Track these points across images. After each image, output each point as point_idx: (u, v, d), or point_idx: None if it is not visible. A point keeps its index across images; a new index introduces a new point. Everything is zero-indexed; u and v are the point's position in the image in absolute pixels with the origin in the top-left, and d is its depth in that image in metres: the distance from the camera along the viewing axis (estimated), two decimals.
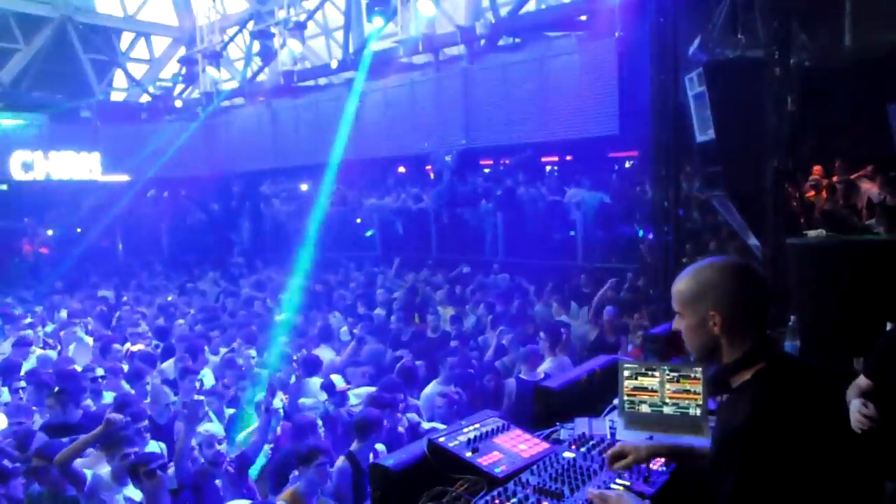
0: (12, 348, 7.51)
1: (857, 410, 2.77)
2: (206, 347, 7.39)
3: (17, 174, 15.53)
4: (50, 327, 9.25)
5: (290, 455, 4.43)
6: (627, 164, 14.19)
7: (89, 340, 8.20)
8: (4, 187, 15.75)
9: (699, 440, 2.37)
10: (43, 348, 8.00)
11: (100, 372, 6.20)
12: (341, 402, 5.47)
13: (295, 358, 6.79)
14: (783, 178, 4.94)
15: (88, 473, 4.08)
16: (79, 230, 17.88)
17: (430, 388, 5.82)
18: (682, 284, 1.81)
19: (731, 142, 5.48)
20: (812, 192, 7.30)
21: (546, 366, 6.09)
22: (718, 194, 5.81)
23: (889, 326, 3.43)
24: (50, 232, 17.31)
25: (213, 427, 4.85)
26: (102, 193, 17.11)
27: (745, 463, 1.58)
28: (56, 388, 5.34)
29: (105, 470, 4.26)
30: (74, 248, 17.16)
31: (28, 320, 9.38)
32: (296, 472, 4.17)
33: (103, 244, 17.97)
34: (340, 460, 4.49)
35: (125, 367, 6.62)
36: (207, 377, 6.83)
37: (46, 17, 16.88)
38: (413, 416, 5.32)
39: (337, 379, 5.60)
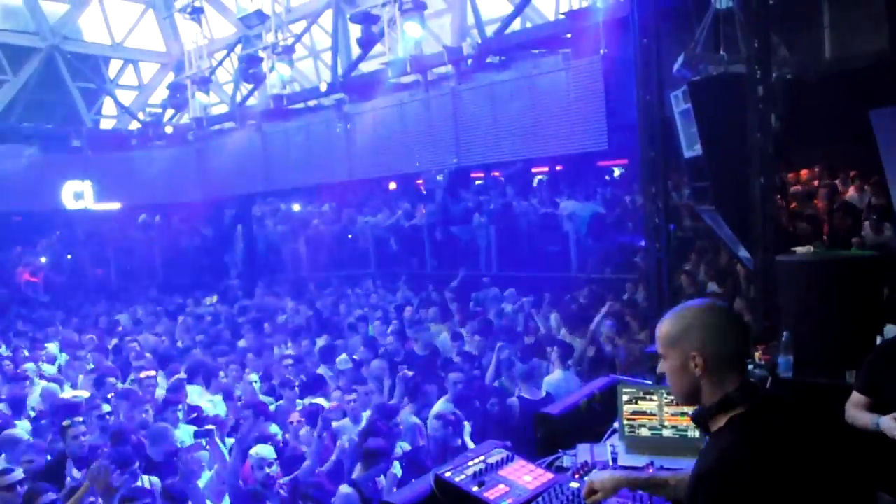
0: (8, 383, 7.56)
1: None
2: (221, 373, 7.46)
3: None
4: (53, 365, 9.18)
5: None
6: (617, 173, 14.38)
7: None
8: None
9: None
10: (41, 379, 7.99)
11: (106, 409, 6.20)
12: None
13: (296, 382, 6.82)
14: (771, 193, 5.04)
15: None
16: (69, 257, 17.89)
17: (439, 407, 5.87)
18: (664, 326, 1.86)
19: (718, 157, 5.58)
20: (795, 204, 7.45)
21: (555, 377, 6.17)
22: (708, 208, 5.90)
23: (879, 340, 3.52)
24: (43, 260, 17.28)
25: (263, 450, 4.88)
26: (95, 221, 17.16)
27: None
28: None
29: None
30: (67, 276, 17.19)
31: (25, 353, 9.38)
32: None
33: (97, 271, 17.95)
34: (345, 488, 4.53)
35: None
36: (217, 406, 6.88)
37: (34, 48, 16.94)
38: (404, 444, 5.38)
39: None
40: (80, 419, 5.52)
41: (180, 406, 6.25)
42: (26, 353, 9.37)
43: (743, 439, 1.70)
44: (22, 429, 5.99)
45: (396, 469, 4.73)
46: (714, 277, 7.88)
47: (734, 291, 7.04)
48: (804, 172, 9.51)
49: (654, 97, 6.21)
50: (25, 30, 17.01)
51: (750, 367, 3.86)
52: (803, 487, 1.70)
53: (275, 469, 4.74)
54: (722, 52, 5.94)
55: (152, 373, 7.31)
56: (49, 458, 5.39)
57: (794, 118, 6.15)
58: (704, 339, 1.77)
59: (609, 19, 8.00)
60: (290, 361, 7.61)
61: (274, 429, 5.78)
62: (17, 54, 16.98)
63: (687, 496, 1.79)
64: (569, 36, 9.01)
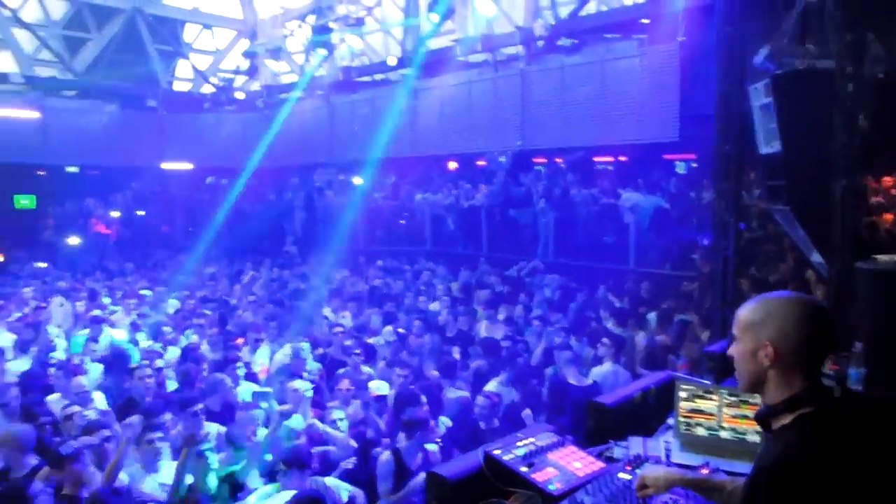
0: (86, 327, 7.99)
1: None
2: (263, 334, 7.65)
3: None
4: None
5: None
6: (681, 170, 13.95)
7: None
8: (75, 169, 16.48)
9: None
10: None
11: (159, 363, 6.46)
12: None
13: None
14: (853, 198, 4.79)
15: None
16: (140, 213, 18.60)
17: (492, 386, 5.88)
18: (745, 309, 1.81)
19: (797, 155, 5.32)
20: (876, 217, 7.07)
21: (604, 369, 6.10)
22: (782, 208, 5.66)
23: None
24: (116, 213, 18.03)
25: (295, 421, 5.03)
26: (165, 180, 17.78)
27: None
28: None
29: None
30: (136, 231, 17.91)
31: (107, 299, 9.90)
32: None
33: (164, 228, 18.63)
34: (386, 454, 4.60)
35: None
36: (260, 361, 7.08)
37: (118, 9, 17.54)
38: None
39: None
40: (146, 362, 5.77)
41: (239, 364, 6.45)
42: (106, 300, 9.89)
43: (811, 438, 1.64)
44: (95, 371, 6.34)
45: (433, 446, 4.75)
46: (782, 281, 7.59)
47: None
48: (887, 179, 9.02)
49: (735, 88, 5.96)
50: None
51: None
52: (867, 495, 1.63)
53: (303, 439, 4.85)
54: (810, 46, 5.66)
55: (214, 330, 7.56)
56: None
57: (883, 120, 5.82)
58: (780, 331, 1.71)
59: (690, 6, 7.73)
60: (339, 329, 7.74)
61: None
62: (102, 14, 17.63)
63: (744, 491, 1.73)
64: (646, 21, 8.76)
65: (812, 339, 1.72)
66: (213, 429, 4.97)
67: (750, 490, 1.67)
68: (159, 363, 6.50)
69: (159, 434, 4.53)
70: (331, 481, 4.34)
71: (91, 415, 4.89)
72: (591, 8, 10.97)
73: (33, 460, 4.33)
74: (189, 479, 4.27)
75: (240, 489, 4.56)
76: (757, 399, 2.68)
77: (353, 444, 4.98)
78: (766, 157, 5.79)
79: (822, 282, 5.51)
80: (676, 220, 11.46)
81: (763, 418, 1.79)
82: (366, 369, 6.45)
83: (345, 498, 4.32)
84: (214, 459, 4.46)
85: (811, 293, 6.61)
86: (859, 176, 4.87)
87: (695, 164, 12.08)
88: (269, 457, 4.74)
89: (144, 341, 7.88)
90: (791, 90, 5.40)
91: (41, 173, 16.47)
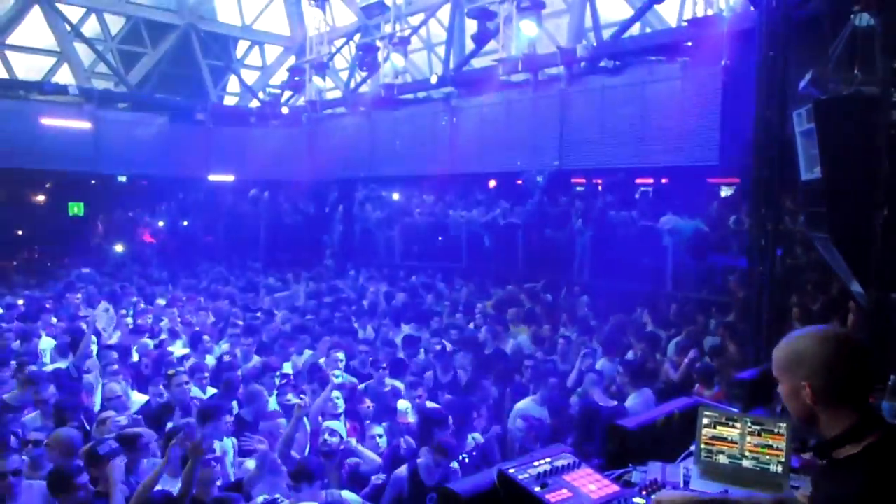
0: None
1: None
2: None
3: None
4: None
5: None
6: (724, 193, 13.72)
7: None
8: (124, 179, 17.05)
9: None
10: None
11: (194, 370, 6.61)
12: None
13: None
14: (893, 227, 4.65)
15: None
16: (185, 223, 19.12)
17: (524, 404, 5.85)
18: (779, 351, 1.83)
19: (839, 182, 5.21)
20: None
21: (631, 399, 6.02)
22: (822, 236, 5.54)
23: None
24: (161, 223, 18.58)
25: (333, 423, 5.09)
26: (210, 191, 18.26)
27: None
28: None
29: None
30: (181, 240, 18.40)
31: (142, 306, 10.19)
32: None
33: (207, 238, 19.08)
34: (402, 468, 4.62)
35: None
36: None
37: (172, 25, 18.19)
38: None
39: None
40: (183, 369, 5.89)
41: (277, 373, 6.55)
42: (143, 306, 10.17)
43: (890, 465, 1.66)
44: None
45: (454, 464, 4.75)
46: (821, 311, 7.38)
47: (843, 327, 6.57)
48: None
49: (775, 113, 5.88)
50: (167, 7, 18.30)
51: None
52: None
53: (336, 440, 4.89)
54: (857, 72, 5.55)
55: (249, 340, 7.70)
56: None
57: None
58: (813, 371, 1.72)
59: (735, 29, 7.65)
60: (364, 348, 7.78)
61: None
62: (157, 30, 18.31)
63: None
64: (689, 44, 8.69)
65: (847, 375, 1.72)
66: (228, 443, 5.05)
67: None
68: (194, 370, 6.64)
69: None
70: (347, 495, 4.36)
71: (123, 420, 5.02)
72: (634, 30, 10.93)
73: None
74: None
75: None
76: (782, 429, 2.65)
77: (377, 459, 4.99)
78: (808, 182, 5.69)
79: (861, 312, 5.36)
80: (716, 244, 11.26)
81: (823, 450, 1.79)
82: (390, 381, 6.48)
83: None
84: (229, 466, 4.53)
85: (852, 323, 6.42)
86: None
87: (732, 189, 11.90)
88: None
89: (181, 349, 8.05)
90: (834, 116, 5.30)
91: (92, 182, 17.08)
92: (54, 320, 9.13)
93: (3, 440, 4.44)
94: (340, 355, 7.31)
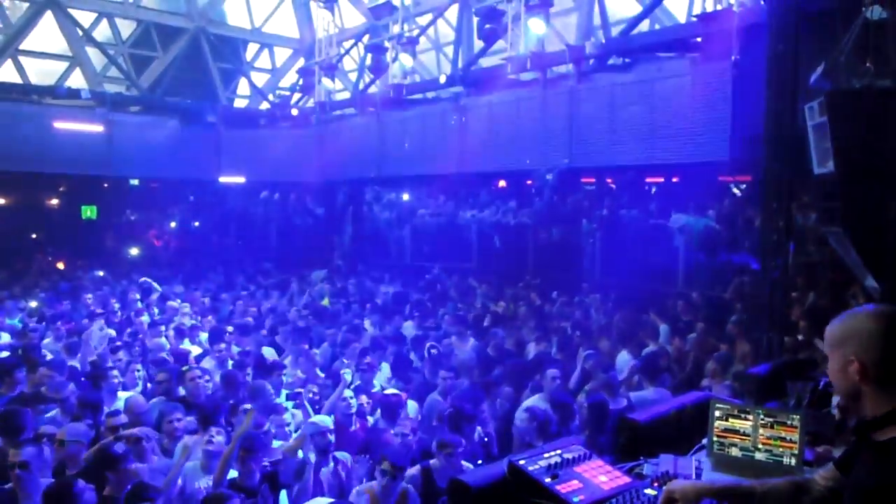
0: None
1: None
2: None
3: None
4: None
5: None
6: (735, 190, 13.62)
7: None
8: (136, 182, 17.17)
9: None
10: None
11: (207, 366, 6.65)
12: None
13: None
14: None
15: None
16: (196, 224, 19.23)
17: (531, 400, 5.84)
18: (831, 326, 1.83)
19: (851, 176, 5.17)
20: None
21: (645, 392, 5.99)
22: (835, 230, 5.49)
23: None
24: (173, 225, 18.68)
25: (323, 419, 5.12)
26: (220, 193, 18.35)
27: None
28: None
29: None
30: (191, 242, 18.51)
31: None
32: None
33: (218, 240, 19.18)
34: (414, 469, 4.62)
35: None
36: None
37: (182, 28, 18.31)
38: None
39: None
40: (196, 365, 5.95)
41: (285, 371, 6.60)
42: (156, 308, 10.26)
43: None
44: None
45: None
46: (834, 306, 7.31)
47: None
48: None
49: (787, 108, 5.84)
50: (177, 11, 18.42)
51: None
52: None
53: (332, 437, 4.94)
54: (868, 64, 5.50)
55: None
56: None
57: None
58: (863, 346, 1.71)
59: (744, 24, 7.60)
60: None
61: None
62: (167, 33, 18.43)
63: None
64: (699, 40, 8.63)
65: None
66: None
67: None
68: (207, 366, 6.70)
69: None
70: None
71: (124, 419, 5.06)
72: (643, 26, 10.87)
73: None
74: (233, 474, 4.40)
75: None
76: (795, 421, 2.63)
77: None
78: (821, 177, 5.64)
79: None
80: (727, 242, 11.19)
81: (862, 430, 1.77)
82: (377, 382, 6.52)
83: None
84: None
85: None
86: None
87: (744, 186, 11.82)
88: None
89: (190, 346, 8.10)
90: (847, 109, 5.26)
91: (105, 185, 17.20)
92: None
93: (19, 429, 4.49)
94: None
